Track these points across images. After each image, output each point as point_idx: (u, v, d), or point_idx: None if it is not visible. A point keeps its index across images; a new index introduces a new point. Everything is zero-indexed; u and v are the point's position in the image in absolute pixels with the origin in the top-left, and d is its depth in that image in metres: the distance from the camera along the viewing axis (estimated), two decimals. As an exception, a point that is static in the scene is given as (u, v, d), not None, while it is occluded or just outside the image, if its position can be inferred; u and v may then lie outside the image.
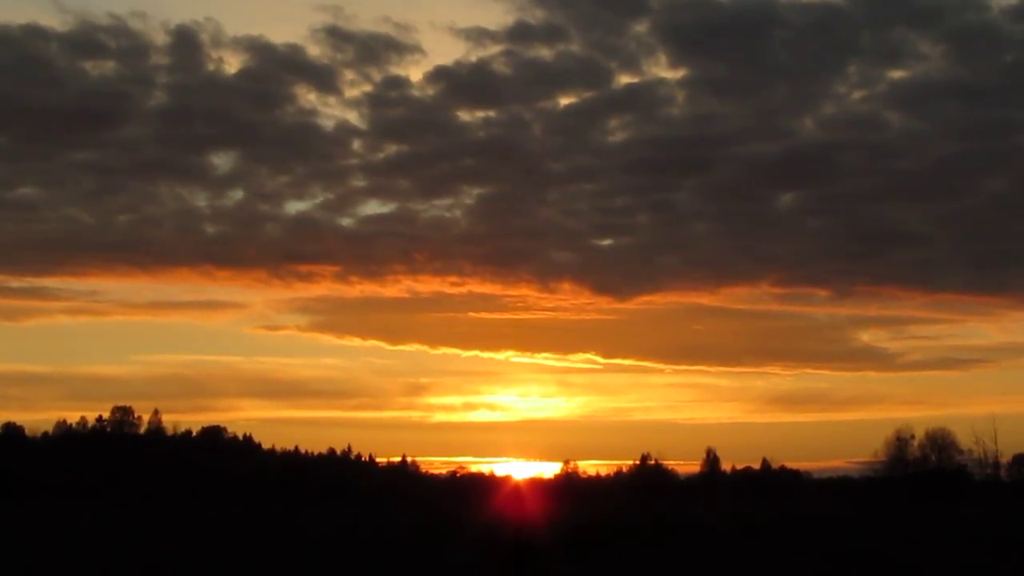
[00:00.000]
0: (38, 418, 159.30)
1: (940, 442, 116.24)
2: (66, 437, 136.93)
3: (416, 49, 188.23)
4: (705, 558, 34.42)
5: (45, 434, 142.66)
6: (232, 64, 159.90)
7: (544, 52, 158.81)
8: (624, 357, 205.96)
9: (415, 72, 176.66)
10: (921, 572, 31.13)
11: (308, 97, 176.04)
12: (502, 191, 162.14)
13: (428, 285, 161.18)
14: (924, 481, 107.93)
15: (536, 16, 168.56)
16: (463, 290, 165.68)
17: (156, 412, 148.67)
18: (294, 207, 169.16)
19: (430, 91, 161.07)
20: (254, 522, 60.83)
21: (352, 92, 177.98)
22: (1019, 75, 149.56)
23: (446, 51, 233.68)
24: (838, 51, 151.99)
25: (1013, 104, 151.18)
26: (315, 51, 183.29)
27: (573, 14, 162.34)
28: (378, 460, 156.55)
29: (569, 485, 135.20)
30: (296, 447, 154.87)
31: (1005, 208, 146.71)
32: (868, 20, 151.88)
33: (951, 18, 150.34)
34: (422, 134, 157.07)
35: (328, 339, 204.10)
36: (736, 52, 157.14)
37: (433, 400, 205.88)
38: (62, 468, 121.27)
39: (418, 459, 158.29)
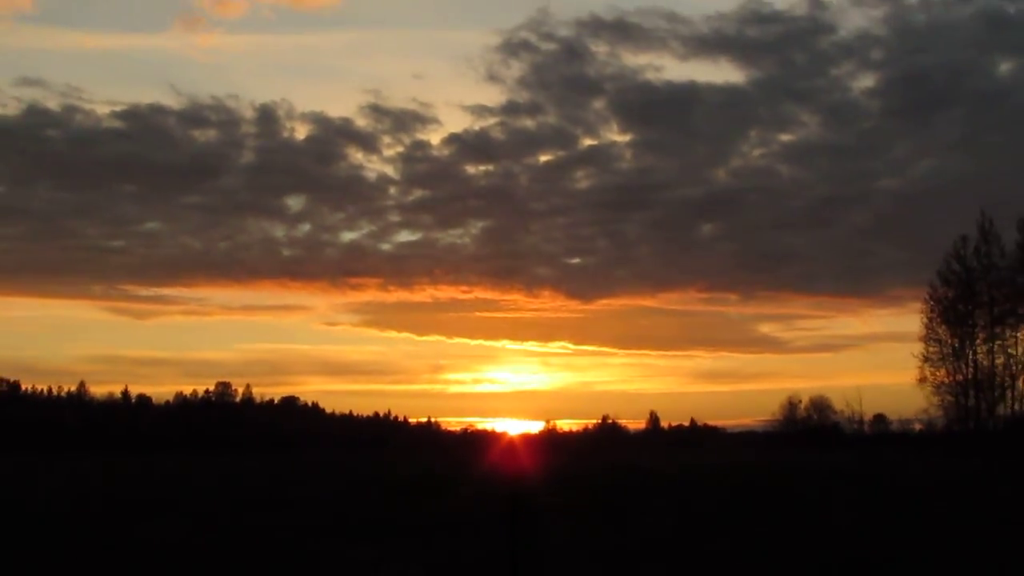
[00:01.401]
0: (162, 391, 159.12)
1: (820, 406, 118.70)
2: (182, 405, 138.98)
3: (435, 120, 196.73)
4: (648, 495, 33.26)
5: (167, 402, 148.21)
6: (301, 132, 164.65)
7: (528, 122, 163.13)
8: (589, 344, 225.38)
9: (435, 137, 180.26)
10: (805, 499, 30.24)
11: (356, 156, 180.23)
12: (498, 224, 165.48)
13: (445, 292, 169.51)
14: (808, 434, 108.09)
15: (523, 96, 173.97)
16: (471, 296, 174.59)
17: (248, 386, 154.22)
18: (347, 236, 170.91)
19: (446, 151, 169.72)
20: (318, 466, 59.46)
21: (389, 152, 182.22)
22: (874, 137, 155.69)
23: (457, 122, 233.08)
24: (742, 121, 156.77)
25: (869, 159, 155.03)
26: (361, 122, 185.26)
27: (549, 95, 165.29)
28: (410, 420, 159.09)
29: (550, 438, 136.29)
30: (350, 411, 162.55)
31: (864, 234, 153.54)
32: (764, 98, 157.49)
33: (823, 96, 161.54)
34: (440, 183, 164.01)
35: (372, 332, 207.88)
36: (668, 122, 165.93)
37: (450, 376, 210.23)
38: (180, 427, 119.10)
39: (439, 419, 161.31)
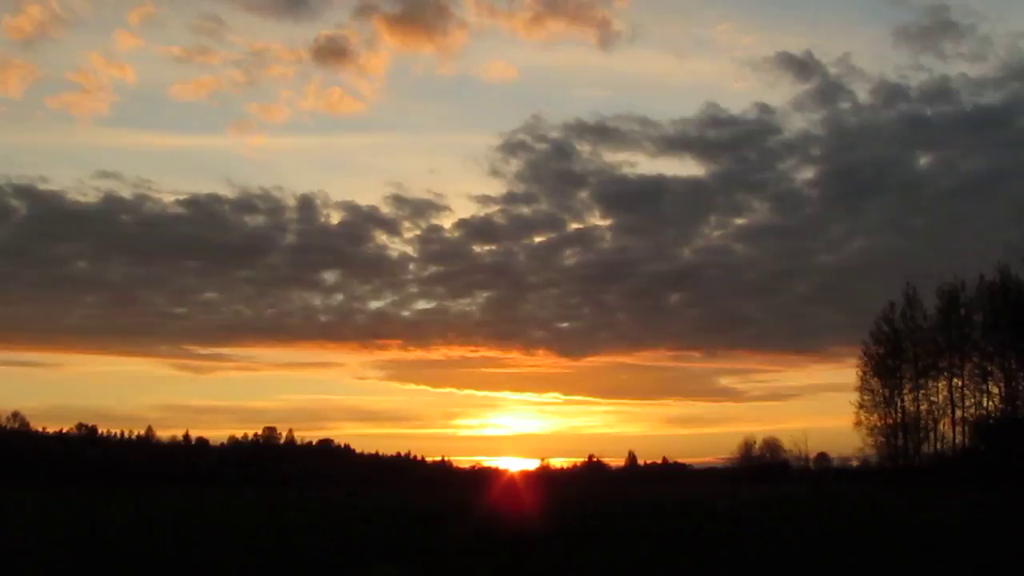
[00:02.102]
0: (217, 434, 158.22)
1: (772, 446, 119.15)
2: (234, 446, 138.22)
3: (447, 208, 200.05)
4: (628, 522, 33.27)
5: (222, 444, 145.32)
6: (335, 218, 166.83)
7: (525, 210, 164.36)
8: (577, 394, 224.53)
9: (447, 222, 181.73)
10: (763, 520, 30.24)
11: (382, 238, 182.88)
12: (500, 295, 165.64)
13: (456, 352, 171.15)
14: (762, 470, 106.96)
15: (520, 188, 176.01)
16: (478, 355, 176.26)
17: (290, 430, 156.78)
18: (374, 305, 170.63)
19: (456, 234, 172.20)
20: (349, 499, 59.12)
21: (408, 235, 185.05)
22: (814, 221, 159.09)
23: (465, 209, 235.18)
24: (703, 207, 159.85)
25: (810, 238, 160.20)
26: (386, 210, 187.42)
27: (542, 186, 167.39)
28: (427, 459, 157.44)
29: (544, 474, 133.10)
30: (376, 451, 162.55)
31: (807, 301, 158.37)
32: (721, 188, 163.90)
33: (771, 187, 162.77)
34: (452, 260, 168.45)
35: (395, 385, 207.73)
36: (641, 208, 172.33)
37: (460, 422, 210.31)
38: (232, 465, 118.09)
39: (452, 458, 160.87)
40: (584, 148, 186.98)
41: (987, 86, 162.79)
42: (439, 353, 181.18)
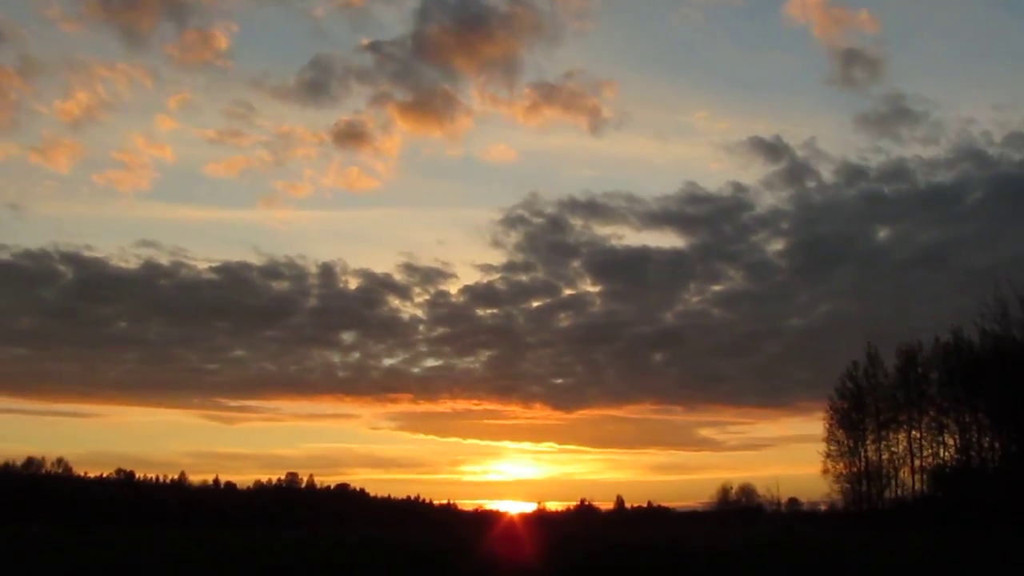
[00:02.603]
0: (244, 479, 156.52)
1: (747, 491, 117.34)
2: (260, 490, 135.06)
3: (453, 276, 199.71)
4: (616, 560, 32.87)
5: (248, 488, 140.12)
6: (353, 284, 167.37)
7: (523, 277, 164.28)
8: (570, 444, 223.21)
9: (453, 288, 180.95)
10: (740, 559, 29.87)
11: (394, 302, 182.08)
12: (501, 354, 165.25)
13: (462, 405, 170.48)
14: (738, 513, 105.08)
15: (518, 258, 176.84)
16: (481, 408, 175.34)
17: (311, 476, 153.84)
18: (387, 362, 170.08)
19: (461, 299, 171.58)
20: (363, 539, 58.20)
21: (418, 299, 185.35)
22: (783, 288, 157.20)
23: (470, 276, 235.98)
24: (683, 275, 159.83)
25: (780, 304, 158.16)
26: (398, 277, 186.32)
27: (539, 256, 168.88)
28: (434, 502, 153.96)
29: (540, 516, 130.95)
30: (388, 495, 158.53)
31: (778, 360, 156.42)
32: (700, 258, 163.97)
33: (744, 257, 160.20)
34: (457, 322, 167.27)
35: (406, 434, 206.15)
36: (627, 276, 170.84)
37: (464, 468, 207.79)
38: (258, 507, 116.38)
39: (456, 501, 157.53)
40: (576, 222, 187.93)
41: (939, 167, 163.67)
42: (446, 406, 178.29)
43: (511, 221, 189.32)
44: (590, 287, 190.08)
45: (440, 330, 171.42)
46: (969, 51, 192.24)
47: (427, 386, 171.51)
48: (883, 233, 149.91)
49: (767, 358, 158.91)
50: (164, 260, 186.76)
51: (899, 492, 70.29)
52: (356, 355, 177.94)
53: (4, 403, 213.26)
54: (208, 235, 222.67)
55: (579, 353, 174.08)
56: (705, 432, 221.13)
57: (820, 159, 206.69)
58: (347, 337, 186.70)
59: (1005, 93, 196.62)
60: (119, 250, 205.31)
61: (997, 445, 62.79)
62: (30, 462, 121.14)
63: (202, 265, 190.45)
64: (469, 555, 36.13)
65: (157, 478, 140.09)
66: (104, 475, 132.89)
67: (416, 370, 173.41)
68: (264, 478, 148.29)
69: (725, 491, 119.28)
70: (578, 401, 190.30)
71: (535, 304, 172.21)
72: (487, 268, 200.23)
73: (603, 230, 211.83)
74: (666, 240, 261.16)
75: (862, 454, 72.62)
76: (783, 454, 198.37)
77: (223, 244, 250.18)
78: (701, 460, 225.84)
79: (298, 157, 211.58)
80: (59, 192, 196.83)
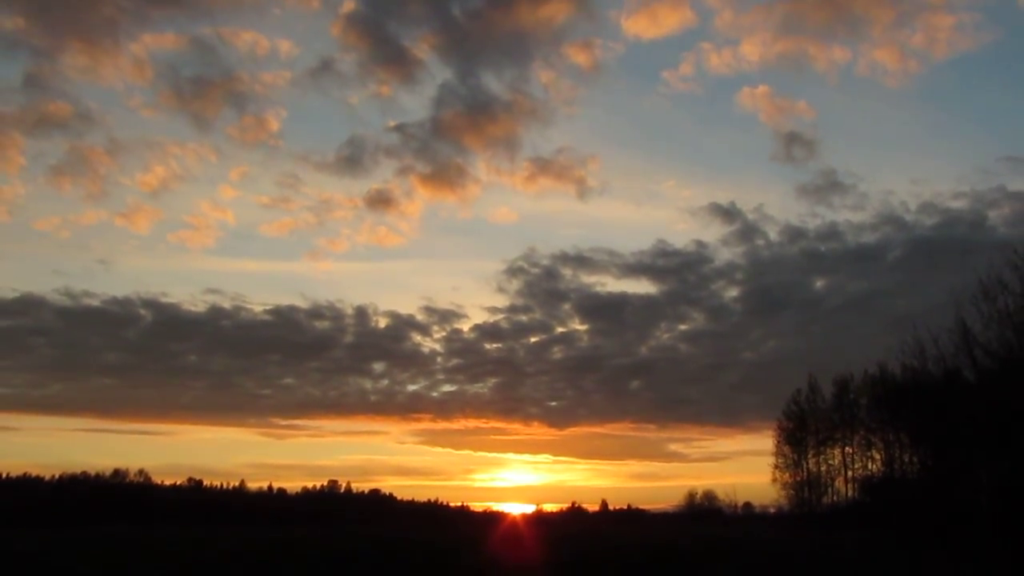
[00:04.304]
0: (293, 485, 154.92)
1: (709, 496, 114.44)
2: (306, 495, 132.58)
3: (466, 316, 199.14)
4: (601, 551, 32.71)
5: (296, 493, 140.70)
6: (383, 323, 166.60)
7: (523, 317, 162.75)
8: (563, 456, 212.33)
9: (466, 327, 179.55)
10: (703, 552, 29.73)
11: (417, 338, 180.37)
12: (505, 380, 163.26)
13: (473, 423, 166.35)
14: (702, 514, 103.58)
15: (519, 302, 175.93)
16: (489, 425, 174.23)
17: (348, 483, 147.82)
18: (411, 388, 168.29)
19: (472, 335, 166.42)
20: (393, 536, 57.61)
21: (437, 336, 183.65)
22: (738, 327, 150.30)
23: (479, 317, 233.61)
24: (654, 317, 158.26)
25: (736, 340, 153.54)
26: (420, 317, 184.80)
27: (536, 300, 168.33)
28: (450, 504, 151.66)
29: (538, 517, 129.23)
30: (412, 499, 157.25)
31: (734, 388, 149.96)
32: (669, 303, 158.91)
33: (706, 302, 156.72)
34: (469, 355, 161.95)
35: (427, 448, 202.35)
36: (609, 317, 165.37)
37: (475, 476, 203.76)
38: (305, 509, 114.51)
39: (469, 504, 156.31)
40: (567, 272, 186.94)
41: (865, 229, 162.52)
42: (460, 424, 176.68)
43: (513, 271, 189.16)
44: (578, 326, 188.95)
45: (455, 361, 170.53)
46: (890, 135, 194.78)
47: (444, 407, 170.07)
48: (820, 283, 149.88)
49: (725, 385, 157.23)
50: (226, 304, 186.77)
51: (835, 499, 69.43)
52: (385, 382, 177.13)
53: (95, 424, 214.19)
54: (263, 284, 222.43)
55: (570, 380, 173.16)
56: (674, 446, 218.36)
57: (767, 222, 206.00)
58: (378, 367, 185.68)
59: (919, 169, 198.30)
60: (190, 296, 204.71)
61: (915, 460, 62.20)
62: (116, 473, 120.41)
63: (258, 308, 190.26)
64: (479, 549, 35.93)
65: (221, 485, 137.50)
66: (177, 483, 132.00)
67: (435, 394, 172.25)
68: (310, 484, 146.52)
69: (691, 496, 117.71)
70: (569, 420, 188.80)
71: (533, 340, 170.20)
72: (493, 310, 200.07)
73: (589, 279, 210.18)
74: (641, 287, 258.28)
75: (804, 466, 71.97)
76: (739, 465, 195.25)
77: (275, 291, 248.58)
78: (671, 470, 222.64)
79: (337, 219, 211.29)
80: (140, 249, 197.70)
